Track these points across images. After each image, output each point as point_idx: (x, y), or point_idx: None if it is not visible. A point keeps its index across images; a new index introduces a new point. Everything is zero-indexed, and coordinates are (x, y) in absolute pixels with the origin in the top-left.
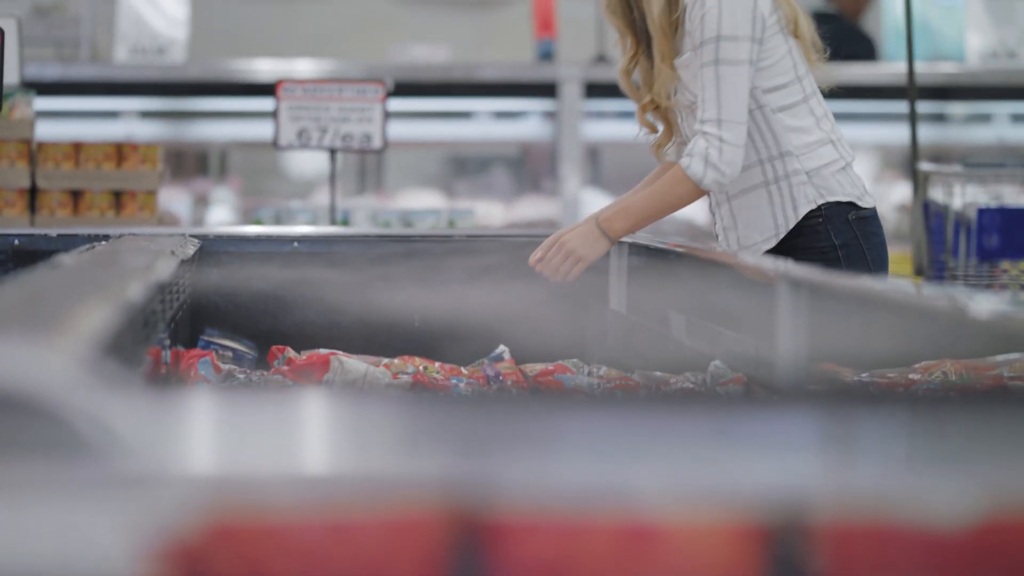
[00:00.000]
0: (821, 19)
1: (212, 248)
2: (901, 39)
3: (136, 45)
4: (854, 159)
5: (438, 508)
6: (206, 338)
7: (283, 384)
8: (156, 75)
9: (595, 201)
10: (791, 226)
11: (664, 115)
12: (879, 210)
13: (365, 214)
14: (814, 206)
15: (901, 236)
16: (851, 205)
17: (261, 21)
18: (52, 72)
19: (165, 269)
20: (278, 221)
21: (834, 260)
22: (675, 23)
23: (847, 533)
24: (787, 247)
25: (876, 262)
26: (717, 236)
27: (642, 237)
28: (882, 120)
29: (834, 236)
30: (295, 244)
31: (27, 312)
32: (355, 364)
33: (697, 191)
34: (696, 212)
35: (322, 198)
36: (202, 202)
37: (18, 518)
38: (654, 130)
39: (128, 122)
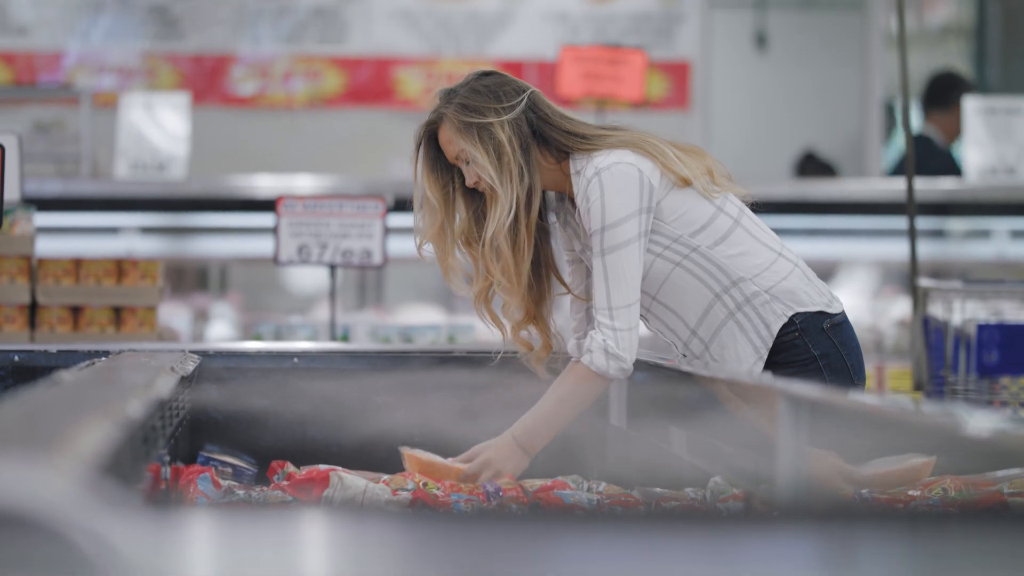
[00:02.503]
0: (916, 140)
1: (212, 364)
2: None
3: (136, 161)
4: (800, 260)
5: None
6: (206, 454)
7: (283, 500)
8: (156, 191)
9: None
10: (770, 345)
11: (541, 328)
12: (879, 326)
13: (365, 329)
14: (785, 319)
15: (901, 352)
16: (822, 314)
17: (261, 137)
18: (52, 188)
19: (165, 386)
20: (278, 336)
21: (815, 371)
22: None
23: None
24: (769, 363)
25: (855, 368)
26: None
27: (642, 353)
28: (882, 236)
29: (812, 348)
30: (295, 360)
31: (28, 430)
32: (355, 480)
33: (604, 382)
34: None
35: (322, 313)
36: (202, 317)
37: None
38: (530, 348)
39: (128, 238)
